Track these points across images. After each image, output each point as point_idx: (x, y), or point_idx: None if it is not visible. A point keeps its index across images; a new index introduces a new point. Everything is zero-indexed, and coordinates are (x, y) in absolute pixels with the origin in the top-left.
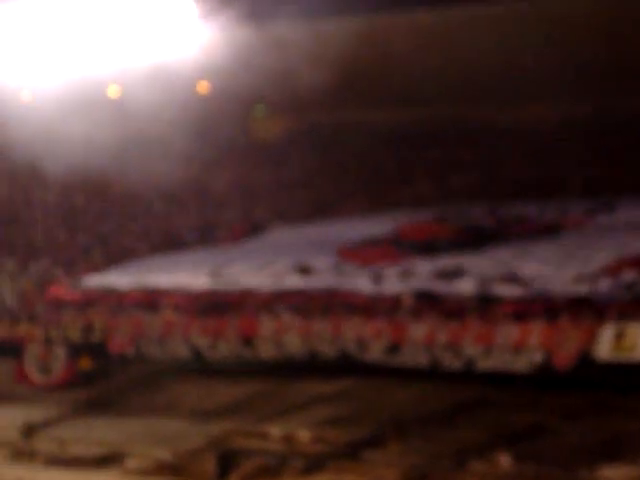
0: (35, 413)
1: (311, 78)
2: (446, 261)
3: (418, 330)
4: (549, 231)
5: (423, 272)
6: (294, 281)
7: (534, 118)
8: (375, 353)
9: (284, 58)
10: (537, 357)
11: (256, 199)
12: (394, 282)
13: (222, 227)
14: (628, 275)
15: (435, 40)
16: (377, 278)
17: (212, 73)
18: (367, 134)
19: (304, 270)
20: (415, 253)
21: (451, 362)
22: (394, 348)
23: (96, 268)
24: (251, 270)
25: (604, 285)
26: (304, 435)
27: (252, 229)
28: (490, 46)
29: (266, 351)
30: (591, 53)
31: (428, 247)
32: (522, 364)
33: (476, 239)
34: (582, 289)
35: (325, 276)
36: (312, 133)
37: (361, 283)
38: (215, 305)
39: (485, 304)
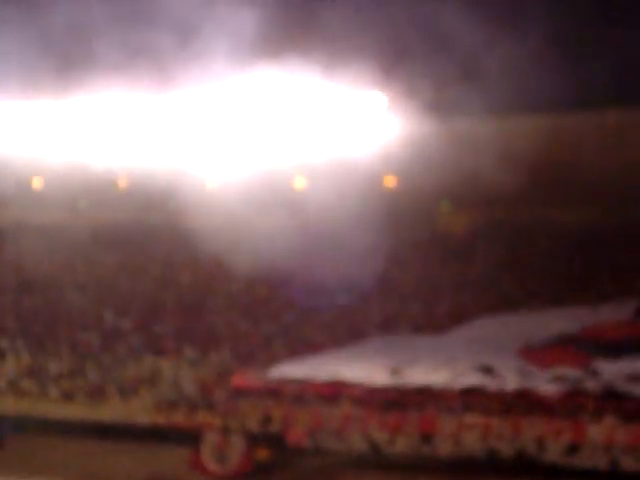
0: None
1: (496, 175)
2: (631, 363)
3: (598, 431)
4: None
5: (605, 372)
6: (475, 380)
7: None
8: (554, 453)
9: (469, 154)
10: None
11: (440, 294)
12: (575, 383)
13: (405, 321)
14: None
15: (624, 139)
16: (558, 379)
17: (397, 167)
18: (553, 232)
19: (486, 370)
20: (599, 354)
21: (630, 464)
22: (573, 449)
23: (277, 359)
24: (433, 369)
25: None
26: None
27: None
28: None
29: (444, 448)
30: None
31: (612, 348)
32: None
33: None
34: None
35: (507, 377)
36: (498, 230)
37: (543, 384)
38: (395, 400)
39: None
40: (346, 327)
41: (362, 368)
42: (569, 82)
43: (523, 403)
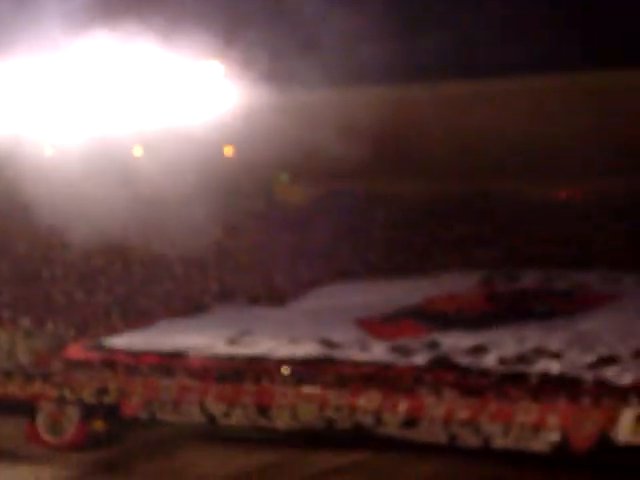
0: (44, 474)
1: (336, 146)
2: (469, 336)
3: (437, 405)
4: (584, 308)
5: (444, 346)
6: (313, 351)
7: (564, 193)
8: (391, 427)
9: (308, 125)
10: (555, 437)
11: (278, 265)
12: (415, 355)
13: (242, 292)
14: None
15: (463, 112)
16: (398, 351)
17: (236, 137)
18: (394, 205)
19: (326, 343)
20: (439, 327)
21: (469, 439)
22: (411, 422)
23: (113, 330)
24: (270, 340)
25: (626, 368)
26: None
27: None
28: (517, 119)
29: (281, 420)
30: (623, 128)
31: (453, 320)
32: (540, 444)
33: (505, 313)
34: (605, 371)
35: (347, 349)
36: (335, 201)
37: (380, 355)
38: (232, 372)
39: (505, 381)
40: (183, 297)
41: (198, 339)
42: (409, 53)
43: (359, 375)
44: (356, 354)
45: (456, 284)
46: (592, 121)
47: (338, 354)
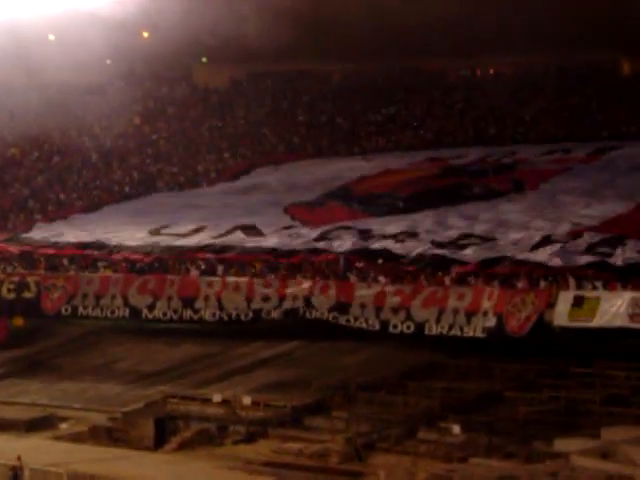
0: None
1: (257, 26)
2: (398, 220)
3: (367, 291)
4: (519, 186)
5: (374, 231)
6: (239, 240)
7: (488, 71)
8: (323, 311)
9: (230, 8)
10: (491, 322)
11: (199, 151)
12: (344, 241)
13: (163, 180)
14: (587, 239)
15: None
16: (326, 237)
17: (156, 19)
18: (316, 85)
19: (250, 230)
20: (367, 211)
21: (401, 325)
22: (342, 307)
23: (31, 223)
24: (195, 229)
25: (563, 250)
26: (246, 400)
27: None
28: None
29: (208, 311)
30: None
31: (381, 204)
32: (475, 329)
33: (437, 194)
34: (541, 254)
35: (272, 236)
36: (259, 84)
37: (309, 242)
38: (155, 263)
39: (438, 266)
40: (103, 188)
41: (121, 230)
42: None
43: (284, 261)
44: (283, 242)
45: (387, 164)
46: None
47: (265, 242)
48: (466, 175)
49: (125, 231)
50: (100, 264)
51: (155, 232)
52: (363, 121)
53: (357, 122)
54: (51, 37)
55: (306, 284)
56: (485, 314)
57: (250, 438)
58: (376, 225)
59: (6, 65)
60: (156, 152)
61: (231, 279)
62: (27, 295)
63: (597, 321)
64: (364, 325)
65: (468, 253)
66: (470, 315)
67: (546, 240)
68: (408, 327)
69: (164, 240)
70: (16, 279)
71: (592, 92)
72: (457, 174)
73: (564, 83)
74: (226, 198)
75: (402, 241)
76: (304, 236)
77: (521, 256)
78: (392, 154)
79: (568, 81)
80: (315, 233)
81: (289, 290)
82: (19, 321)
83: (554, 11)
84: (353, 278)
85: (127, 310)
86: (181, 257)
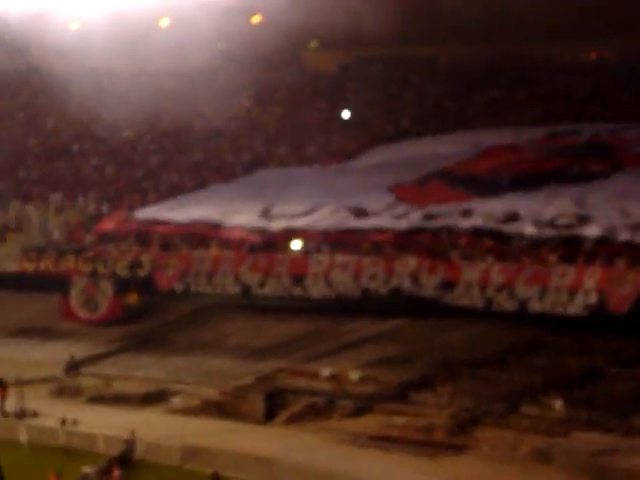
0: (80, 349)
1: (364, 11)
2: (503, 202)
3: (473, 270)
4: (621, 167)
5: (478, 212)
6: (348, 221)
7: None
8: (429, 290)
9: None
10: (592, 299)
11: (308, 134)
12: (448, 221)
13: (273, 162)
14: None
15: None
16: (431, 217)
17: (265, 5)
18: (425, 70)
19: (357, 211)
20: (470, 192)
21: (505, 303)
22: (448, 285)
23: (145, 202)
24: (303, 211)
25: None
26: (353, 375)
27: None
28: None
29: (316, 290)
30: None
31: (484, 185)
32: (577, 306)
33: (539, 175)
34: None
35: (379, 217)
36: (367, 68)
37: (413, 222)
38: (266, 243)
39: (540, 246)
40: (214, 168)
41: (232, 210)
42: None
43: (395, 242)
44: (389, 222)
45: (490, 142)
46: None
47: (372, 223)
48: (567, 156)
49: (235, 210)
50: (212, 242)
51: (266, 213)
52: (469, 103)
53: (464, 104)
54: (162, 23)
55: (412, 262)
56: (587, 292)
57: (357, 412)
58: (480, 206)
59: (117, 52)
60: (266, 135)
61: (339, 258)
62: (141, 273)
63: None
64: (469, 303)
65: (571, 232)
66: (572, 293)
67: None
68: (511, 304)
69: (274, 221)
70: (130, 257)
71: None
72: (560, 154)
73: None
74: (334, 178)
75: (507, 222)
76: (410, 216)
77: (622, 236)
78: (496, 132)
79: None
80: (419, 213)
81: (396, 269)
82: (133, 298)
83: None
84: (458, 257)
85: (238, 287)
86: (290, 236)
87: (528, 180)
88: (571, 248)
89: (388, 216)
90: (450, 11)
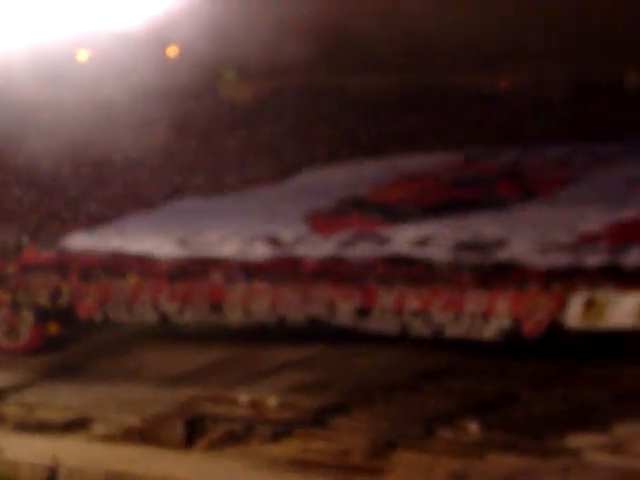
0: (2, 378)
1: (279, 41)
2: (418, 229)
3: (388, 296)
4: (534, 193)
5: (392, 238)
6: (262, 250)
7: (507, 83)
8: (344, 316)
9: (254, 22)
10: (506, 324)
11: (226, 163)
12: (363, 248)
13: (191, 192)
14: (597, 244)
15: (406, 4)
16: (346, 245)
17: (181, 37)
18: (338, 99)
19: (272, 241)
20: (384, 220)
21: (420, 328)
22: (363, 312)
23: (65, 233)
24: (220, 239)
25: (576, 254)
26: (272, 401)
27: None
28: (463, 14)
29: (234, 317)
30: (571, 16)
31: (397, 213)
32: (491, 331)
33: (450, 205)
34: (553, 257)
35: (293, 246)
36: (282, 98)
37: (328, 250)
38: (184, 272)
39: (455, 271)
40: (132, 199)
41: (150, 239)
42: None
43: (310, 270)
44: (304, 250)
45: (407, 168)
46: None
47: (287, 251)
48: (481, 182)
49: (153, 240)
50: (130, 272)
51: (183, 242)
52: (383, 131)
53: (377, 132)
54: (80, 56)
55: (328, 290)
56: (501, 317)
57: (276, 438)
58: (394, 233)
59: (38, 84)
60: (183, 165)
61: (256, 286)
62: (62, 302)
63: (608, 322)
64: (384, 329)
65: (485, 257)
66: (487, 318)
67: (556, 245)
68: (427, 330)
69: (192, 249)
70: (50, 286)
71: (602, 103)
72: (473, 181)
73: (576, 94)
74: (250, 206)
75: (421, 247)
76: (324, 245)
77: (534, 261)
78: (413, 157)
79: (579, 92)
80: (334, 241)
81: (312, 296)
82: (54, 327)
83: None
84: (373, 284)
85: (157, 316)
86: (209, 266)
87: (442, 207)
88: (484, 273)
89: (303, 245)
90: (362, 41)
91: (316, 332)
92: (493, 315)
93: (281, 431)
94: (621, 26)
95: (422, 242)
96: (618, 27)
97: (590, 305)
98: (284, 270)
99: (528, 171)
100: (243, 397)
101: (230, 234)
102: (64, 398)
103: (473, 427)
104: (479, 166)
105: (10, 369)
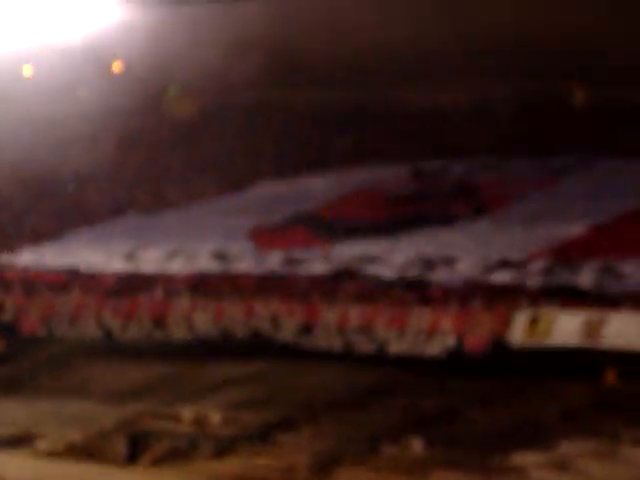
0: None
1: (226, 59)
2: (363, 245)
3: (331, 313)
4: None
5: (338, 255)
6: (207, 265)
7: (448, 100)
8: (288, 333)
9: (198, 39)
10: (450, 341)
11: (169, 178)
12: (308, 264)
13: (136, 206)
14: (542, 262)
15: (352, 21)
16: (291, 261)
17: (125, 53)
18: (284, 115)
19: (217, 256)
20: (330, 236)
21: (364, 345)
22: (307, 329)
23: (8, 248)
24: (166, 255)
25: (521, 272)
26: (215, 417)
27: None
28: (409, 30)
29: (178, 333)
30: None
31: (344, 229)
32: (435, 348)
33: (398, 222)
34: (496, 275)
35: (238, 261)
36: (228, 113)
37: (273, 265)
38: (127, 287)
39: (399, 288)
40: (78, 213)
41: (95, 254)
42: None
43: (255, 286)
44: (248, 266)
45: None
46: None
47: (231, 267)
48: (430, 199)
49: (97, 255)
50: (73, 287)
51: (129, 257)
52: (329, 147)
53: (323, 148)
54: (25, 71)
55: (271, 306)
56: (444, 334)
57: (219, 454)
58: (340, 251)
59: None
60: (127, 180)
61: (200, 301)
62: (5, 317)
63: (552, 340)
64: (328, 345)
65: (429, 275)
66: (430, 335)
67: (503, 263)
68: (370, 346)
69: (137, 265)
70: None
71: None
72: (422, 197)
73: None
74: (195, 221)
75: (366, 265)
76: (268, 260)
77: (479, 278)
78: (362, 171)
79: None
80: (279, 257)
81: (255, 312)
82: None
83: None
84: (316, 301)
85: (100, 331)
86: (153, 281)
87: (389, 224)
88: (428, 290)
89: (247, 260)
90: (307, 57)
91: (260, 348)
92: (437, 332)
93: (225, 447)
94: (563, 43)
95: (367, 259)
96: (559, 44)
97: (534, 323)
98: (228, 285)
99: (479, 186)
100: (187, 413)
101: (175, 249)
102: (7, 414)
103: (417, 444)
104: (429, 181)
105: None
